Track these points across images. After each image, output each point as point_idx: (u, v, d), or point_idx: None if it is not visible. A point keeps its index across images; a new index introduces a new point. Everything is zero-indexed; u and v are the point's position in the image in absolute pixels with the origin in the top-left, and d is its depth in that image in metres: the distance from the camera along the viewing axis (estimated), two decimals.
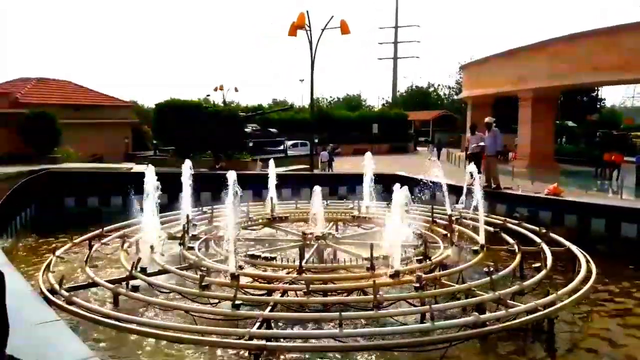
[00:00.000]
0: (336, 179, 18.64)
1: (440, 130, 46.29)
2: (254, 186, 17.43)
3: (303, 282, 7.08)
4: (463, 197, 10.89)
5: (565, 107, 37.84)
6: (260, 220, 11.83)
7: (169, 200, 16.65)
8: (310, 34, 21.45)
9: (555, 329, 6.67)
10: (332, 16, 21.09)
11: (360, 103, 67.18)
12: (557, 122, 31.16)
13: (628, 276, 9.87)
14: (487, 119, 14.73)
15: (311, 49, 21.66)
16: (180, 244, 9.67)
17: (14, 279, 5.79)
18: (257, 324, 6.07)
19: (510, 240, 9.61)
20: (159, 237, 10.06)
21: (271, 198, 12.62)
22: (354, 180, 18.50)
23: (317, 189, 10.76)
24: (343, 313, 5.93)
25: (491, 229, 10.54)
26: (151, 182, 9.25)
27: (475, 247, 9.18)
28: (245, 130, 25.63)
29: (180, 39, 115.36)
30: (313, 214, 11.25)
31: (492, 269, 7.38)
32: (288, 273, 7.73)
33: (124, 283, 7.57)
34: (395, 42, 63.02)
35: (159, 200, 9.85)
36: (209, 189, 16.01)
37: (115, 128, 30.79)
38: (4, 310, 3.76)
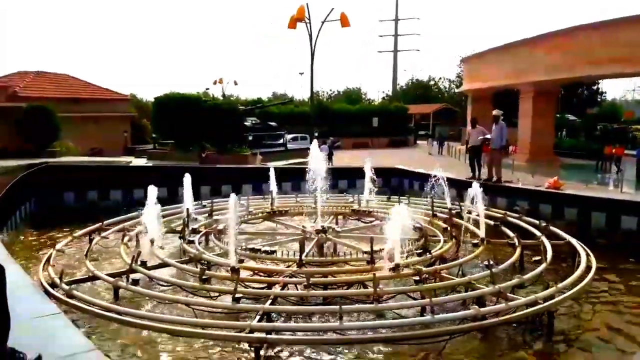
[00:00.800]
0: (336, 172, 18.60)
1: (441, 124, 46.23)
2: (254, 180, 17.45)
3: (303, 275, 7.09)
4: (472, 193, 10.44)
5: (565, 100, 37.79)
6: (260, 214, 11.82)
7: (169, 194, 16.73)
8: (310, 27, 21.39)
9: (555, 322, 6.68)
10: (332, 9, 21.02)
11: (360, 96, 67.08)
12: (558, 115, 31.13)
13: (628, 269, 9.88)
14: (495, 112, 14.62)
15: (311, 41, 21.61)
16: (180, 238, 9.68)
17: (14, 272, 5.80)
18: (258, 317, 6.08)
19: (511, 234, 9.61)
20: (159, 230, 10.06)
21: (271, 192, 12.62)
22: (354, 174, 18.53)
23: (317, 183, 10.74)
24: (343, 306, 5.94)
25: (491, 222, 10.54)
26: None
27: (476, 241, 9.18)
28: (245, 123, 25.56)
29: (181, 36, 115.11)
30: (313, 207, 11.27)
31: (492, 262, 7.38)
32: (288, 266, 7.73)
33: (124, 276, 7.57)
34: (396, 35, 62.77)
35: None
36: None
37: (115, 122, 30.74)
38: (4, 303, 3.76)
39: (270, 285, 7.24)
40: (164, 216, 11.28)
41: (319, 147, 12.71)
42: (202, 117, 22.61)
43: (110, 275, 7.72)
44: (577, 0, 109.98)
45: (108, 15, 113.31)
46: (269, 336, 5.60)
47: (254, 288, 7.28)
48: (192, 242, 9.19)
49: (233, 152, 21.82)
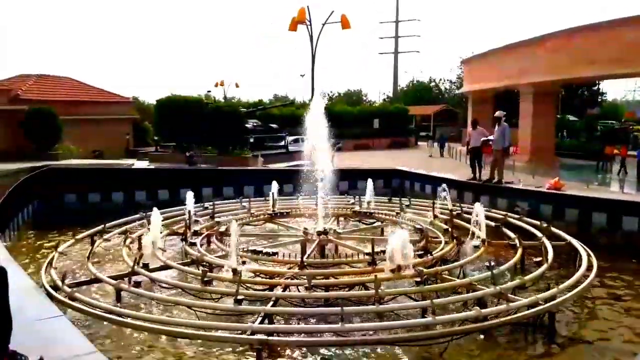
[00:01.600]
0: (338, 174, 18.60)
1: (441, 125, 46.20)
2: (256, 182, 17.47)
3: (305, 277, 7.10)
4: None
5: (566, 101, 37.78)
6: (261, 216, 11.84)
7: (170, 196, 16.77)
8: (311, 29, 21.44)
9: (556, 323, 6.69)
10: (333, 11, 21.08)
11: (361, 98, 67.11)
12: (558, 116, 31.10)
13: (629, 269, 9.88)
14: (497, 113, 14.58)
15: (312, 43, 21.66)
16: (182, 240, 9.70)
17: (16, 275, 5.81)
18: (259, 319, 6.10)
19: (512, 235, 9.62)
20: (161, 232, 10.09)
21: (272, 194, 12.64)
22: (356, 176, 18.54)
23: (319, 184, 10.76)
24: (345, 308, 5.95)
25: (492, 223, 10.54)
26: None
27: (477, 242, 9.18)
28: (246, 125, 25.58)
29: (182, 38, 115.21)
30: (314, 209, 11.28)
31: (493, 263, 7.40)
32: (290, 268, 7.75)
33: (126, 279, 7.60)
34: (396, 37, 62.80)
35: None
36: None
37: (116, 124, 30.74)
38: (7, 306, 3.78)
39: (271, 287, 7.27)
40: (165, 218, 11.33)
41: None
42: (204, 119, 22.66)
43: (112, 277, 7.74)
44: (577, 2, 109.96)
45: (110, 18, 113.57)
46: (270, 338, 5.62)
47: (255, 290, 7.31)
48: (194, 244, 9.22)
49: (234, 154, 21.85)
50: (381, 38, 65.47)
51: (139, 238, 10.06)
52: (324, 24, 21.29)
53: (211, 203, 12.34)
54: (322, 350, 6.23)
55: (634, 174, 17.75)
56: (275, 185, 13.28)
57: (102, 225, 10.32)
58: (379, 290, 6.45)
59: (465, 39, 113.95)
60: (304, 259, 7.86)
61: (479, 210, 9.44)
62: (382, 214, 11.82)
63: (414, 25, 77.93)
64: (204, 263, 8.16)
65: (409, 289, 7.10)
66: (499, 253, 9.73)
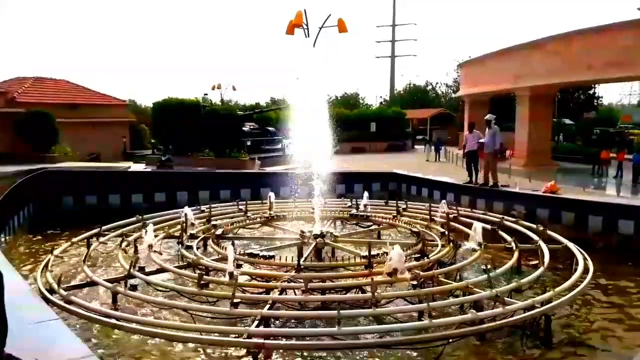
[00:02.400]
0: (334, 177, 18.62)
1: (438, 129, 46.30)
2: (252, 185, 17.48)
3: (301, 280, 7.10)
4: None
5: (562, 105, 37.89)
6: (258, 219, 11.83)
7: (167, 199, 16.76)
8: (308, 32, 21.42)
9: (552, 326, 6.70)
10: (330, 15, 21.05)
11: (358, 101, 67.15)
12: (555, 119, 31.20)
13: (625, 273, 9.92)
14: (487, 116, 14.70)
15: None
16: (178, 243, 9.69)
17: (12, 278, 5.80)
18: (256, 322, 6.09)
19: (508, 238, 9.62)
20: (157, 235, 10.08)
21: (269, 197, 12.63)
22: (352, 179, 18.57)
23: (316, 187, 10.78)
24: (341, 311, 5.94)
25: (488, 226, 10.56)
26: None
27: (473, 245, 9.18)
28: (243, 128, 25.60)
29: (179, 41, 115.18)
30: (311, 212, 11.28)
31: (489, 266, 7.40)
32: (286, 271, 7.74)
33: (122, 282, 7.57)
34: (393, 41, 62.98)
35: None
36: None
37: (113, 127, 30.73)
38: (2, 309, 3.76)
39: (268, 290, 7.26)
40: (162, 221, 11.31)
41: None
42: (201, 122, 22.66)
43: (108, 280, 7.72)
44: (574, 6, 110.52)
45: (106, 20, 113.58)
46: (266, 341, 5.60)
47: (252, 293, 7.30)
48: (190, 247, 9.20)
49: (231, 157, 21.85)
50: (378, 42, 65.60)
51: (135, 241, 10.06)
52: (320, 28, 21.28)
53: (207, 206, 12.32)
54: (319, 354, 6.22)
55: (629, 178, 17.82)
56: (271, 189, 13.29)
57: (99, 228, 10.30)
58: (376, 294, 6.46)
59: (461, 42, 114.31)
60: (301, 262, 7.85)
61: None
62: (379, 217, 11.83)
63: (410, 29, 77.86)
64: (200, 266, 8.15)
65: (405, 292, 7.11)
66: (496, 256, 9.75)
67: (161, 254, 9.30)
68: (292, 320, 6.98)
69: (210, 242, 9.85)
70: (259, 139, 26.42)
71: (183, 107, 23.72)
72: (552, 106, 25.70)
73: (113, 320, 6.14)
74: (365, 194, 12.81)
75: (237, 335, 5.78)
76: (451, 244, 9.22)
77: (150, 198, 16.77)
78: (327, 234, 9.74)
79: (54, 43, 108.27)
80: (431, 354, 6.10)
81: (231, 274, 7.13)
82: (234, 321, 6.54)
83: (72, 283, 8.02)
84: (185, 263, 8.63)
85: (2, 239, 11.83)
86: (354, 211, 12.26)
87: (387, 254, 8.22)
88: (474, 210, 12.69)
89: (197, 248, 9.33)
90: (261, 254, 8.46)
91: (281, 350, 6.26)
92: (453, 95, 51.16)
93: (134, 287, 7.46)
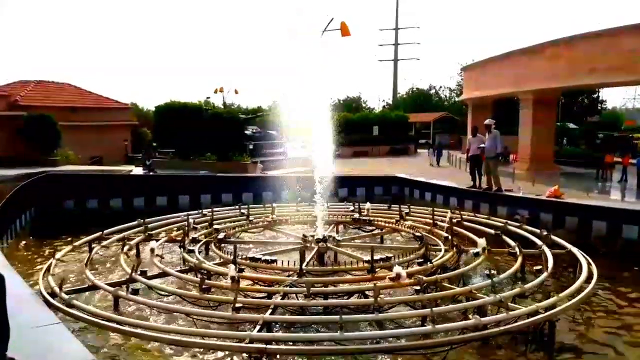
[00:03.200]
0: (337, 181, 18.62)
1: (441, 132, 46.25)
2: (254, 188, 17.48)
3: (303, 284, 7.07)
4: None
5: (565, 108, 37.86)
6: (260, 223, 11.81)
7: (169, 203, 16.76)
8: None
9: (556, 331, 6.64)
10: (332, 18, 21.07)
11: (361, 105, 67.21)
12: (558, 124, 31.11)
13: (629, 278, 9.87)
14: (486, 121, 14.73)
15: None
16: (180, 247, 9.67)
17: (14, 282, 5.79)
18: (258, 327, 6.05)
19: (512, 243, 9.58)
20: (159, 239, 10.07)
21: (272, 201, 12.62)
22: (355, 182, 18.55)
23: (318, 191, 10.76)
24: (344, 316, 5.91)
25: (492, 231, 10.52)
26: None
27: (477, 250, 9.15)
28: (245, 132, 25.62)
29: (181, 44, 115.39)
30: (313, 216, 11.25)
31: (493, 271, 7.36)
32: (289, 276, 7.71)
33: (124, 286, 7.55)
34: (396, 44, 63.02)
35: None
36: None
37: (115, 130, 30.74)
38: (4, 313, 3.75)
39: (270, 295, 7.23)
40: (163, 225, 11.30)
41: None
42: (203, 125, 22.70)
43: (110, 284, 7.70)
44: (577, 9, 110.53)
45: (109, 23, 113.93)
46: (268, 346, 5.57)
47: (254, 298, 7.27)
48: (192, 251, 9.18)
49: (234, 161, 21.87)
50: (381, 45, 65.68)
51: (137, 245, 10.06)
52: (323, 31, 21.30)
53: (209, 210, 12.31)
54: (321, 359, 6.18)
55: (634, 182, 17.75)
56: (274, 192, 13.28)
57: (100, 232, 10.30)
58: (378, 299, 6.42)
59: (465, 46, 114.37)
60: (303, 266, 7.83)
61: (479, 217, 9.36)
62: (381, 221, 11.80)
63: (413, 33, 78.07)
64: (202, 270, 8.13)
65: (408, 297, 7.07)
66: (499, 261, 9.71)
67: (163, 258, 9.29)
68: (294, 325, 6.94)
69: (212, 246, 9.83)
70: (261, 143, 26.43)
71: (185, 111, 23.77)
72: (555, 110, 25.63)
73: (114, 325, 6.12)
74: (368, 204, 12.70)
75: (238, 340, 5.75)
76: (454, 248, 9.19)
77: (152, 202, 16.78)
78: (330, 238, 9.71)
79: (57, 46, 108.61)
80: (434, 359, 6.05)
81: (233, 278, 7.11)
82: (236, 326, 6.50)
83: (74, 287, 8.00)
84: (187, 267, 8.61)
85: (4, 242, 11.82)
86: (356, 215, 12.22)
87: (390, 258, 8.22)
88: (477, 214, 12.64)
89: (199, 252, 9.31)
90: (263, 258, 8.44)
91: (283, 355, 6.22)
92: (456, 99, 51.14)
93: (135, 291, 7.45)
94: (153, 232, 10.72)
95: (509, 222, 11.18)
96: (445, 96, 64.14)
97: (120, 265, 8.47)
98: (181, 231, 10.60)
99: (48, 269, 8.10)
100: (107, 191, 16.94)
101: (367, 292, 7.04)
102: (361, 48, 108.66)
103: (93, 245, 9.70)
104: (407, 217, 12.11)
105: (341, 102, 64.20)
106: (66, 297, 6.84)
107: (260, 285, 7.62)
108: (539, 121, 22.11)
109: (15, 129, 21.09)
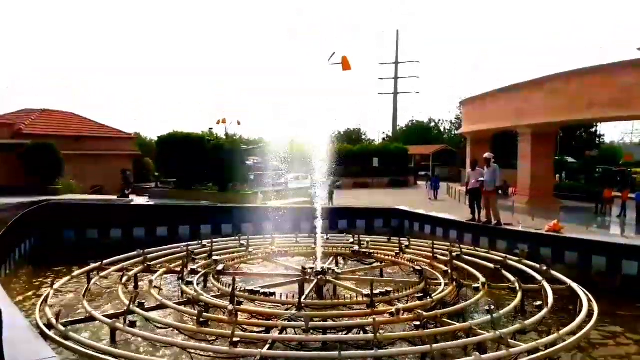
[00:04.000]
0: (337, 212, 18.63)
1: (441, 165, 46.46)
2: (254, 219, 17.45)
3: (302, 319, 7.02)
4: None
5: (564, 142, 38.12)
6: (260, 254, 11.78)
7: (169, 233, 16.73)
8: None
9: None
10: (334, 52, 21.45)
11: (361, 137, 67.71)
12: (557, 157, 31.28)
13: (630, 314, 9.78)
14: (486, 155, 14.82)
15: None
16: (179, 278, 9.63)
17: (11, 312, 5.74)
18: None
19: (511, 278, 9.55)
20: (158, 270, 10.04)
21: (272, 232, 12.62)
22: (355, 214, 18.54)
23: (318, 222, 10.78)
24: (342, 352, 5.86)
25: (492, 265, 10.49)
26: None
27: (476, 285, 9.11)
28: (247, 162, 25.74)
29: (186, 75, 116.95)
30: (313, 248, 11.23)
31: (493, 307, 7.32)
32: (287, 309, 7.66)
33: (121, 318, 7.50)
34: (396, 77, 63.95)
35: None
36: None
37: (118, 160, 30.89)
38: (0, 346, 3.72)
39: (268, 329, 7.17)
40: (163, 256, 11.27)
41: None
42: (205, 156, 22.83)
43: (107, 316, 7.65)
44: (574, 46, 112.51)
45: (114, 53, 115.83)
46: None
47: (252, 332, 7.21)
48: (191, 283, 9.14)
49: (234, 191, 21.91)
50: (381, 79, 66.63)
51: (136, 276, 10.02)
52: (325, 65, 21.64)
53: (209, 241, 12.29)
54: None
55: (633, 216, 17.75)
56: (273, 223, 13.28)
57: (100, 262, 10.28)
58: (378, 334, 6.37)
59: (464, 79, 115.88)
60: (302, 299, 7.79)
61: (479, 251, 9.36)
62: (381, 254, 11.77)
63: (413, 67, 79.17)
64: (200, 303, 8.09)
65: (408, 333, 7.01)
66: (499, 296, 9.65)
67: (161, 290, 9.25)
68: None
69: (210, 277, 9.79)
70: (262, 173, 26.52)
71: (188, 141, 23.94)
72: (554, 144, 25.81)
73: (110, 358, 6.05)
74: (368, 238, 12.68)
75: None
76: (454, 283, 9.15)
77: (152, 232, 16.76)
78: (329, 270, 9.69)
79: (63, 76, 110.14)
80: None
81: (231, 312, 7.07)
82: None
83: (71, 318, 7.93)
84: (185, 299, 8.56)
85: (3, 272, 11.77)
86: (356, 248, 12.19)
87: (389, 292, 8.18)
88: (477, 248, 12.62)
89: (198, 284, 9.27)
90: (262, 291, 8.39)
91: None
92: (455, 132, 51.54)
93: (133, 323, 7.40)
94: (152, 262, 10.70)
95: (509, 256, 11.15)
96: (445, 129, 64.70)
97: (119, 297, 8.43)
98: (180, 262, 10.57)
99: (45, 300, 8.06)
100: (107, 221, 16.94)
101: (366, 327, 6.99)
102: (361, 81, 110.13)
103: (92, 276, 9.67)
104: (407, 250, 12.08)
105: (341, 133, 64.73)
106: (63, 328, 6.79)
107: (259, 319, 7.57)
108: (538, 155, 22.23)
109: (18, 157, 21.22)
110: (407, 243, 12.74)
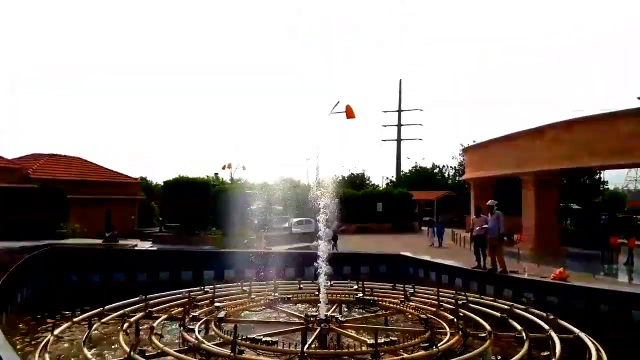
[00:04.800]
0: (340, 258, 18.50)
1: (444, 211, 46.38)
2: (257, 264, 17.35)
3: None
4: None
5: (568, 189, 38.09)
6: (262, 301, 11.65)
7: (171, 278, 16.63)
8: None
9: None
10: (338, 102, 21.95)
11: (365, 182, 67.95)
12: (562, 204, 31.21)
13: None
14: (489, 202, 14.87)
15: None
16: (180, 325, 9.51)
17: (10, 357, 5.68)
18: None
19: (518, 327, 9.38)
20: (160, 317, 9.93)
21: (274, 278, 12.53)
22: (359, 260, 18.41)
23: (321, 269, 10.72)
24: None
25: (498, 314, 10.33)
26: None
27: (483, 334, 8.96)
28: (251, 207, 25.82)
29: (192, 120, 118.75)
30: (316, 294, 11.10)
31: (499, 357, 7.18)
32: (290, 359, 7.53)
33: None
34: (399, 125, 64.92)
35: None
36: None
37: (123, 204, 31.10)
38: None
39: None
40: (164, 302, 11.17)
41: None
42: (209, 200, 22.97)
43: None
44: (575, 46, 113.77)
45: (120, 97, 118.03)
46: None
47: None
48: (192, 330, 9.02)
49: (238, 236, 21.89)
50: (384, 126, 67.62)
51: (137, 322, 9.91)
52: (329, 114, 22.06)
53: (211, 287, 12.20)
54: None
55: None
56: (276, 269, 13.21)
57: (100, 308, 10.18)
58: None
59: (467, 126, 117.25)
60: (304, 349, 7.66)
61: (485, 300, 9.25)
62: (386, 301, 11.62)
63: (416, 115, 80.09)
64: (202, 351, 7.96)
65: None
66: (506, 346, 9.45)
67: (162, 337, 9.13)
68: None
69: (212, 325, 9.66)
70: (266, 218, 26.54)
71: (193, 186, 24.14)
72: (557, 191, 25.83)
73: None
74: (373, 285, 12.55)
75: None
76: (460, 332, 9.00)
77: (155, 277, 16.66)
78: (332, 318, 9.55)
79: (71, 121, 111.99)
80: None
81: None
82: None
83: None
84: (186, 347, 8.43)
85: (4, 317, 11.67)
86: (360, 295, 12.06)
87: (394, 342, 8.05)
88: (483, 296, 12.46)
89: (200, 330, 9.14)
90: (264, 339, 8.27)
91: None
92: (459, 178, 51.69)
93: None
94: (154, 308, 10.60)
95: (515, 304, 11.00)
96: (449, 175, 64.92)
97: (120, 344, 8.32)
98: (182, 309, 10.46)
99: (45, 346, 7.96)
100: (109, 265, 16.89)
101: None
102: (365, 127, 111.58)
103: (93, 322, 9.55)
104: (412, 298, 11.93)
105: (345, 178, 65.01)
106: None
107: None
108: (541, 202, 22.23)
109: (24, 201, 21.40)
110: (412, 290, 12.59)
